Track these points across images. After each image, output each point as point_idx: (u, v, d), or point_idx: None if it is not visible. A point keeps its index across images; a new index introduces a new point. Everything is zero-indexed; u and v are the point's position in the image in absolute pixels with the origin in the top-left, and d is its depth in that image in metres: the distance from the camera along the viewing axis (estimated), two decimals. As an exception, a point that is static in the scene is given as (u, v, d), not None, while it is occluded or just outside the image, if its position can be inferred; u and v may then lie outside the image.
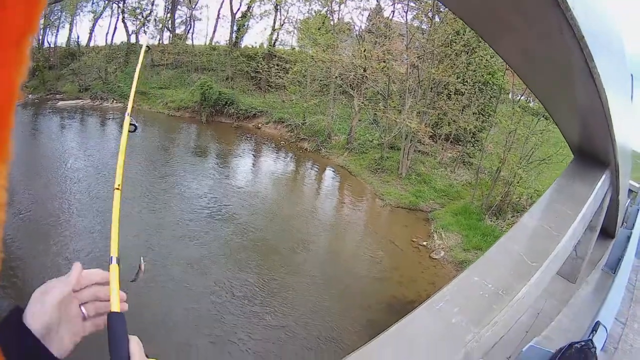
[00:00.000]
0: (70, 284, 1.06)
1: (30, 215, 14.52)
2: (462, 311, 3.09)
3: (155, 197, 17.59)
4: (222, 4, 37.13)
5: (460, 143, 26.73)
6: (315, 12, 31.99)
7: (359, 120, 27.70)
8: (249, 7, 35.54)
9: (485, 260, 3.94)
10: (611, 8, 4.12)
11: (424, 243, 17.56)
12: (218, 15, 37.87)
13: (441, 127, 25.58)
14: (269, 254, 14.68)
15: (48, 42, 34.65)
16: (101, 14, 35.90)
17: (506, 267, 3.85)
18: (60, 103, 30.03)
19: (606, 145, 5.82)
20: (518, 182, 20.18)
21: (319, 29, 28.60)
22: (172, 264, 13.13)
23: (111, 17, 36.00)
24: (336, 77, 27.12)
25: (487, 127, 25.08)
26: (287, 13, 34.63)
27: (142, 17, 35.48)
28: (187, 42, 37.27)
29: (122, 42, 36.39)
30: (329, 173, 24.99)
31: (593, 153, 6.33)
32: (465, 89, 23.51)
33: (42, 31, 32.81)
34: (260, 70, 32.45)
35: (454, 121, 24.48)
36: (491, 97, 25.50)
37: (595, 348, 3.15)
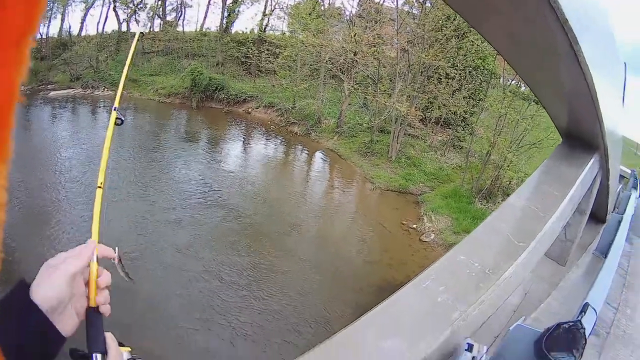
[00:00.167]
0: (87, 257, 1.03)
1: (23, 204, 14.38)
2: (448, 290, 3.09)
3: (146, 183, 17.51)
4: (213, -10, 36.67)
5: (450, 127, 26.79)
6: (306, -3, 31.79)
7: (349, 104, 27.65)
8: (240, -7, 35.16)
9: (472, 239, 3.94)
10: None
11: (414, 226, 17.66)
12: (209, 1, 37.53)
13: (431, 110, 25.60)
14: (259, 237, 14.69)
15: (40, 33, 34.06)
16: (93, 4, 35.30)
17: (493, 246, 3.86)
18: (52, 93, 29.73)
19: (594, 129, 5.83)
20: (508, 166, 20.30)
21: (309, 14, 28.39)
22: (162, 248, 13.12)
23: (102, 6, 35.44)
24: (326, 61, 27.01)
25: (477, 111, 25.15)
26: (278, -2, 34.33)
27: (133, 4, 35.04)
28: (177, 29, 36.95)
29: (113, 31, 35.99)
30: (318, 157, 24.98)
31: (581, 136, 6.34)
32: (456, 73, 23.48)
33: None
34: (251, 56, 32.18)
35: (444, 105, 24.48)
36: (482, 81, 25.53)
37: (584, 329, 3.17)
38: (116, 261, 1.27)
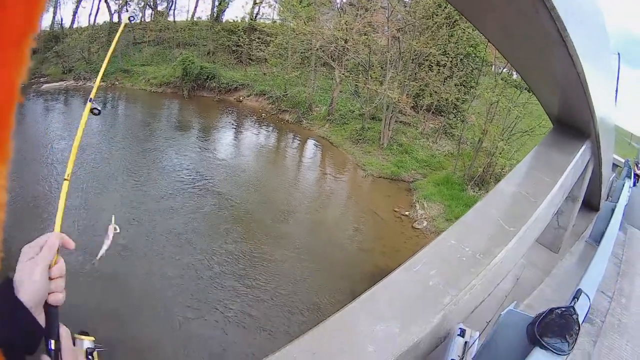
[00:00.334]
0: (55, 249, 1.03)
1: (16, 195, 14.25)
2: (439, 273, 3.11)
3: (138, 172, 17.40)
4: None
5: (442, 114, 26.77)
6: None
7: (340, 92, 27.53)
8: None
9: (462, 224, 3.96)
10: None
11: (406, 213, 17.71)
12: (200, -10, 37.04)
13: (423, 98, 25.46)
14: (252, 225, 14.69)
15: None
16: (85, -5, 34.93)
17: (483, 231, 3.88)
18: (45, 86, 29.40)
19: (585, 116, 5.85)
20: (500, 154, 20.36)
21: (300, 2, 28.19)
22: (155, 236, 13.10)
23: (94, -2, 35.07)
24: (317, 49, 26.84)
25: (469, 98, 25.13)
26: (269, -14, 34.00)
27: (125, -5, 34.62)
28: (168, 19, 36.66)
29: (104, 22, 35.62)
30: (310, 144, 24.93)
31: (572, 123, 6.36)
32: (447, 61, 23.41)
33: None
34: (242, 44, 31.94)
35: (435, 92, 24.39)
36: (473, 69, 25.52)
37: (577, 315, 3.19)
38: (110, 238, 1.27)
